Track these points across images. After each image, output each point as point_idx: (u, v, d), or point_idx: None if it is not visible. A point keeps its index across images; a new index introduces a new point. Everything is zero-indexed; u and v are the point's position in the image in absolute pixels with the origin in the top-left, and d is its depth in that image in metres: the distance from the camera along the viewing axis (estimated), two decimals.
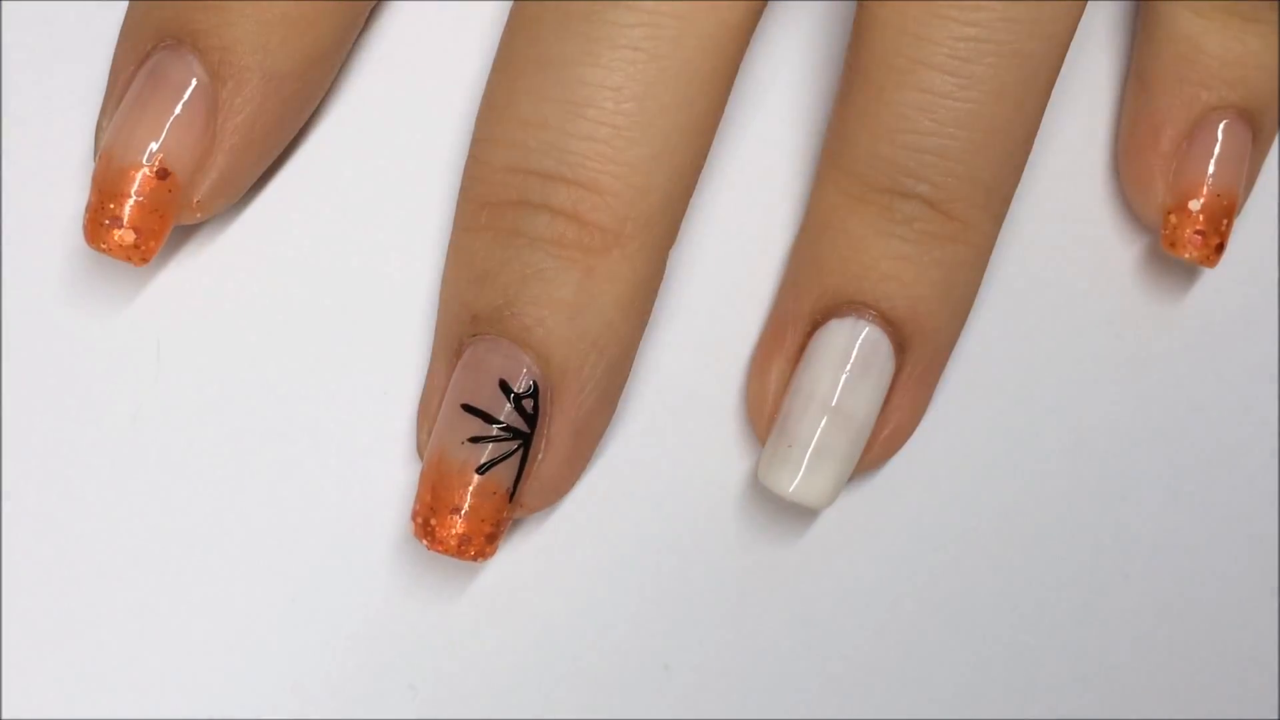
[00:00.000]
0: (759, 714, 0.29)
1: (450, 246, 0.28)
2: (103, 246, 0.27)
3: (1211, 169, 0.30)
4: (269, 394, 0.29)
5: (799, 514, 0.29)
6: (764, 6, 0.28)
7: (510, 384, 0.26)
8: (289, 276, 0.29)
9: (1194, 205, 0.30)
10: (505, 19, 0.28)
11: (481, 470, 0.26)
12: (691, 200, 0.30)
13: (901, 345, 0.28)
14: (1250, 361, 0.31)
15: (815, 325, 0.28)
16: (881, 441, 0.28)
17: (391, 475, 0.28)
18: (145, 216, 0.27)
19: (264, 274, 0.29)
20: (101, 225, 0.27)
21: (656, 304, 0.29)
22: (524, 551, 0.29)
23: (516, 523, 0.29)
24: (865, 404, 0.27)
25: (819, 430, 0.27)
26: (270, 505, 0.28)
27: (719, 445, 0.29)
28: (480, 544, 0.26)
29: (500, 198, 0.27)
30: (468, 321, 0.27)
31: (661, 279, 0.28)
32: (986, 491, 0.30)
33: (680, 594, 0.29)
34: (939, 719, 0.29)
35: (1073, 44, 0.31)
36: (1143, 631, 0.30)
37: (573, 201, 0.26)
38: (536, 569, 0.29)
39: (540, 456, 0.27)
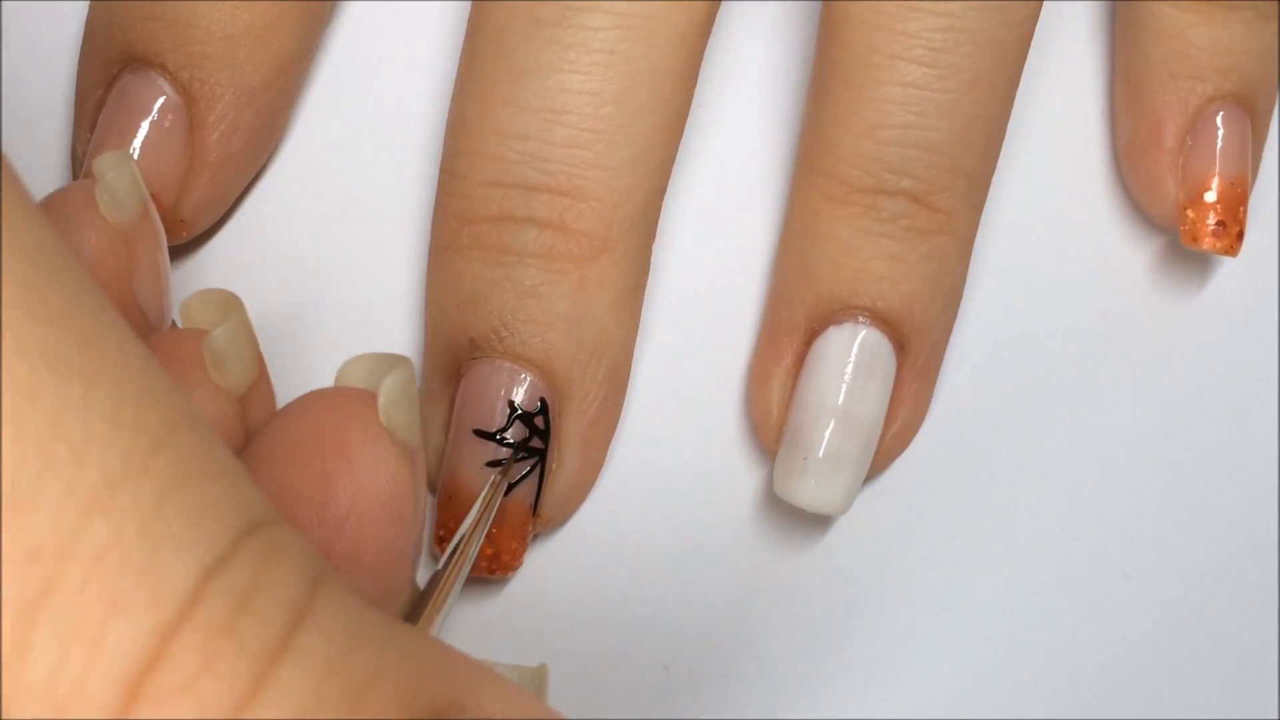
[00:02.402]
0: (759, 714, 0.28)
1: (432, 266, 0.27)
2: None
3: (1219, 158, 0.29)
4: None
5: (798, 515, 0.29)
6: (720, 2, 0.27)
7: (520, 404, 0.26)
8: (279, 285, 0.29)
9: (1209, 197, 0.29)
10: (465, 27, 0.27)
11: (505, 493, 0.26)
12: (676, 204, 0.30)
13: (900, 343, 0.27)
14: (1252, 357, 0.31)
15: (812, 334, 0.27)
16: (890, 440, 0.28)
17: None
18: None
19: (255, 285, 0.29)
20: None
21: (649, 312, 0.29)
22: (525, 554, 0.28)
23: None
24: (873, 407, 0.27)
25: (832, 439, 0.27)
26: None
27: (715, 445, 0.29)
28: (508, 560, 0.26)
29: (481, 214, 0.26)
30: (465, 345, 0.26)
31: (648, 274, 0.28)
32: (986, 492, 0.30)
33: (680, 594, 0.29)
34: (939, 719, 0.29)
35: (1057, 40, 0.31)
36: (1143, 631, 0.29)
37: (558, 211, 0.26)
38: (537, 569, 0.28)
39: (554, 469, 0.27)
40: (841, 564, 0.29)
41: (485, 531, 0.24)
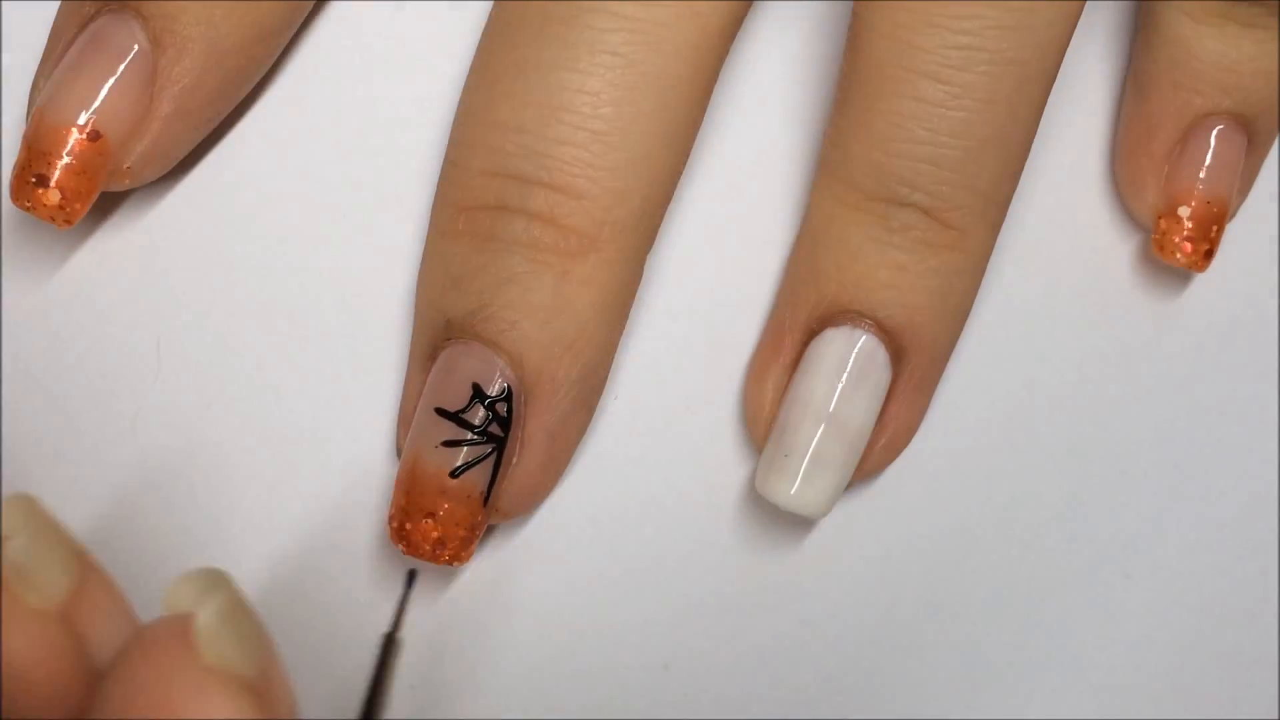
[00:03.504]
0: (759, 714, 0.28)
1: (426, 250, 0.27)
2: (27, 205, 0.26)
3: (1203, 175, 0.29)
4: (271, 398, 0.29)
5: (798, 519, 0.29)
6: (745, 13, 0.27)
7: (483, 387, 0.26)
8: (283, 280, 0.29)
9: (1183, 212, 0.29)
10: (483, 22, 0.28)
11: (455, 474, 0.26)
12: (687, 206, 0.30)
13: (898, 354, 0.27)
14: (1250, 361, 0.31)
15: (812, 334, 0.27)
16: (878, 450, 0.28)
17: (390, 477, 0.28)
18: (73, 178, 0.26)
19: (258, 276, 0.29)
20: (28, 184, 0.26)
21: (654, 310, 0.29)
22: (525, 553, 0.28)
23: (516, 524, 0.28)
24: (861, 413, 0.27)
25: (815, 440, 0.27)
26: (270, 506, 0.28)
27: (718, 447, 0.29)
28: (455, 548, 0.26)
29: (477, 202, 0.26)
30: (442, 326, 0.26)
31: (639, 284, 0.28)
32: (985, 495, 0.30)
33: (680, 595, 0.29)
34: (938, 718, 0.29)
35: (1073, 46, 0.31)
36: (1143, 631, 0.29)
37: (550, 206, 0.26)
38: (538, 570, 0.28)
39: (515, 460, 0.26)
40: (842, 564, 0.29)
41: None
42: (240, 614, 0.19)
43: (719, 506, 0.29)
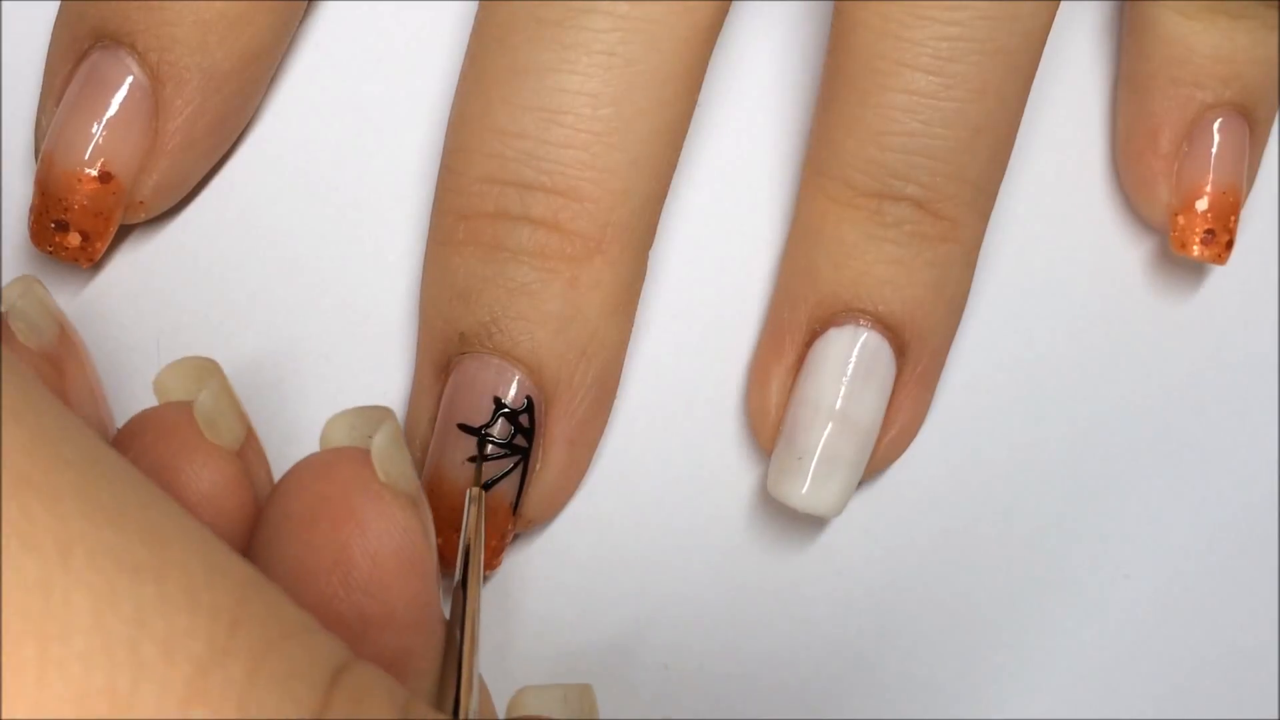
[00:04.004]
0: (759, 714, 0.28)
1: (428, 260, 0.27)
2: (48, 249, 0.27)
3: (1213, 167, 0.29)
4: (271, 399, 0.28)
5: (800, 517, 0.29)
6: (729, 6, 0.27)
7: (505, 401, 0.26)
8: (283, 282, 0.29)
9: (1200, 205, 0.29)
10: (473, 23, 0.27)
11: (486, 489, 0.26)
12: (681, 206, 0.30)
13: (901, 348, 0.27)
14: (1251, 361, 0.31)
15: (813, 334, 0.27)
16: (887, 444, 0.28)
17: None
18: (90, 219, 0.27)
19: (258, 277, 0.29)
20: (47, 228, 0.27)
21: (651, 311, 0.29)
22: (525, 552, 0.28)
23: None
24: (870, 410, 0.27)
25: (827, 440, 0.27)
26: None
27: (717, 447, 0.29)
28: (486, 558, 0.26)
29: (477, 209, 0.26)
30: (455, 340, 0.26)
31: (643, 279, 0.28)
32: (987, 493, 0.29)
33: (680, 594, 0.28)
34: (938, 718, 0.29)
35: (1063, 46, 0.31)
36: (1143, 631, 0.29)
37: (553, 210, 0.26)
38: (538, 569, 0.28)
39: (538, 468, 0.26)
40: (841, 564, 0.29)
41: (481, 570, 0.24)
42: (401, 440, 0.22)
43: (717, 506, 0.29)
